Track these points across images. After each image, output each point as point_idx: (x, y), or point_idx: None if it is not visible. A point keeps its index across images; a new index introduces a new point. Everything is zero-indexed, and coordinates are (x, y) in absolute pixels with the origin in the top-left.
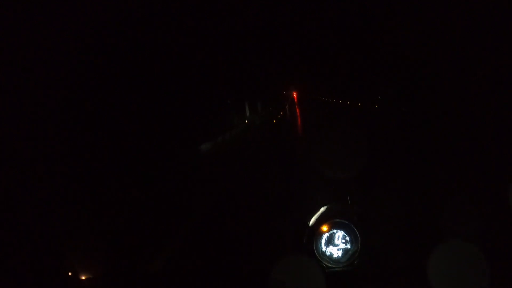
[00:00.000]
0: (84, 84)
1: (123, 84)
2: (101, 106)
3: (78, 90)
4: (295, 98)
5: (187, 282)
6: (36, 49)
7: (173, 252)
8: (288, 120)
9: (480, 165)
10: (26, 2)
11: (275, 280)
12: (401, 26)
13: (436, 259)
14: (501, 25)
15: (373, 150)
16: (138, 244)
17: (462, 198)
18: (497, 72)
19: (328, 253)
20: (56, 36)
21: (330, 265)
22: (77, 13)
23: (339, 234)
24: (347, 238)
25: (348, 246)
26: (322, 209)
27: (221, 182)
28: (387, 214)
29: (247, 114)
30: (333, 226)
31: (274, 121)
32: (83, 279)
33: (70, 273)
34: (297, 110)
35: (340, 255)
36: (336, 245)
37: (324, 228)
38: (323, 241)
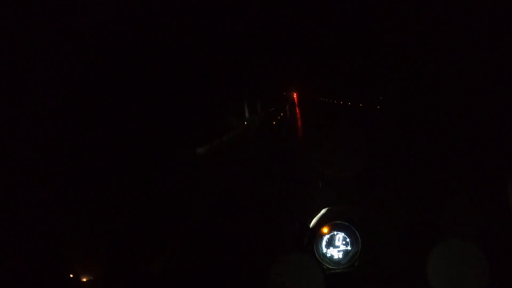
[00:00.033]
0: (84, 84)
1: (123, 84)
2: (101, 106)
3: (78, 90)
4: (295, 98)
5: (187, 282)
6: (36, 49)
7: (173, 253)
8: (288, 121)
9: (480, 165)
10: (26, 2)
11: (275, 281)
12: (401, 26)
13: (436, 259)
14: (501, 25)
15: (373, 150)
16: (138, 245)
17: (462, 198)
18: (497, 72)
19: (328, 255)
20: (56, 36)
21: (330, 266)
22: (77, 13)
23: (339, 236)
24: (348, 239)
25: (349, 247)
26: (322, 211)
27: (221, 182)
28: (387, 216)
29: (246, 115)
30: (334, 228)
31: (274, 122)
32: (84, 281)
33: (71, 275)
34: (298, 111)
35: (340, 256)
36: (336, 246)
37: (325, 230)
38: (324, 243)
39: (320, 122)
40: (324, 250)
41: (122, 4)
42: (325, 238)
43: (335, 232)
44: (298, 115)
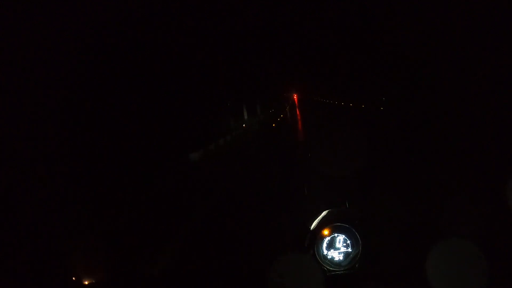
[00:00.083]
0: (84, 84)
1: (123, 85)
2: (101, 107)
3: (78, 90)
4: (296, 100)
5: (187, 282)
6: (36, 49)
7: (174, 253)
8: (288, 123)
9: (480, 165)
10: (26, 2)
11: (276, 283)
12: (401, 27)
13: (435, 259)
14: (501, 25)
15: (374, 152)
16: (139, 245)
17: (462, 198)
18: (497, 72)
19: (329, 257)
20: (56, 36)
21: (331, 268)
22: (77, 13)
23: (340, 238)
24: (348, 241)
25: (349, 249)
26: (323, 213)
27: (221, 185)
28: (387, 217)
29: (245, 117)
30: (334, 230)
31: (274, 124)
32: (86, 284)
33: (73, 278)
34: (298, 112)
35: (341, 258)
36: (337, 248)
37: (325, 232)
38: (325, 245)
39: (320, 122)
40: (325, 252)
41: (121, 4)
42: (326, 240)
43: (336, 234)
44: (299, 117)
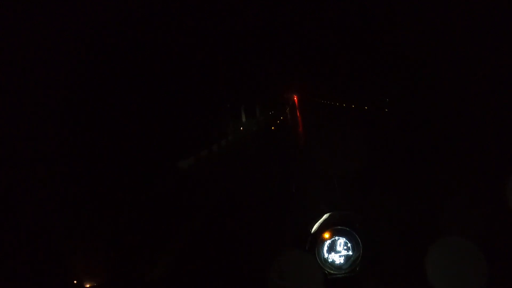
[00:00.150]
0: (84, 85)
1: (123, 86)
2: (102, 107)
3: (78, 90)
4: (296, 101)
5: (188, 283)
6: (36, 49)
7: (174, 254)
8: (288, 125)
9: (480, 165)
10: (26, 2)
11: (277, 285)
12: (402, 27)
13: (435, 258)
14: (501, 25)
15: (375, 154)
16: (139, 245)
17: (462, 198)
18: (497, 72)
19: (330, 260)
20: (56, 36)
21: (332, 271)
22: (77, 13)
23: (341, 241)
24: (349, 244)
25: (350, 252)
26: (324, 216)
27: (221, 186)
28: (388, 219)
29: (243, 119)
30: (335, 233)
31: (273, 127)
32: (87, 287)
33: (74, 281)
34: (298, 114)
35: (342, 261)
36: (338, 251)
37: (326, 235)
38: (325, 248)
39: (321, 124)
40: (326, 255)
41: (121, 5)
42: (327, 243)
43: (337, 237)
44: (299, 119)
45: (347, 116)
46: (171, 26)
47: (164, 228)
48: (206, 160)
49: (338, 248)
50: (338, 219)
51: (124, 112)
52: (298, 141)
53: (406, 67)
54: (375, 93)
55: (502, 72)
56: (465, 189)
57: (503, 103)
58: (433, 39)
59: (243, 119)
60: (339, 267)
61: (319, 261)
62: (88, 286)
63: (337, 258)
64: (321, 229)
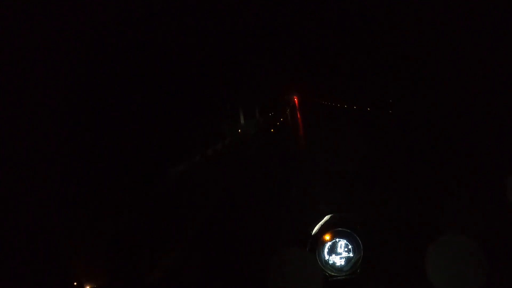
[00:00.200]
0: (84, 85)
1: (124, 85)
2: (102, 107)
3: (78, 90)
4: (297, 102)
5: (188, 284)
6: (36, 49)
7: (174, 255)
8: (289, 127)
9: (480, 165)
10: (26, 2)
11: (277, 287)
12: (403, 27)
13: (435, 257)
14: (501, 25)
15: (375, 155)
16: (140, 249)
17: (462, 198)
18: (497, 72)
19: (331, 262)
20: (56, 36)
21: (333, 273)
22: (77, 13)
23: (341, 243)
24: (350, 246)
25: (351, 254)
26: (325, 218)
27: (221, 187)
28: (389, 222)
29: (242, 121)
30: (336, 235)
31: (272, 130)
32: None
33: (75, 283)
34: (299, 115)
35: (342, 263)
36: (338, 253)
37: (327, 237)
38: (326, 250)
39: (322, 126)
40: (327, 257)
41: (120, 5)
42: (327, 245)
43: (337, 239)
44: (300, 120)
45: (347, 117)
46: (170, 26)
47: (164, 228)
48: (207, 160)
49: (339, 250)
50: (338, 220)
51: (124, 112)
52: (298, 142)
53: (405, 67)
54: (375, 93)
55: (502, 72)
56: (465, 189)
57: (503, 103)
58: (434, 39)
59: (242, 121)
60: (340, 269)
61: (319, 263)
62: (88, 287)
63: (337, 260)
64: (322, 231)
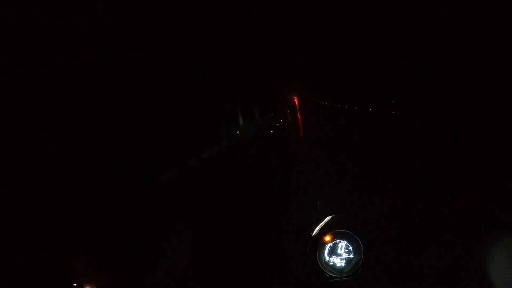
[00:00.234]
0: (84, 85)
1: (124, 86)
2: (102, 108)
3: (78, 91)
4: (297, 102)
5: (188, 284)
6: (36, 49)
7: (174, 255)
8: (289, 128)
9: (480, 165)
10: (26, 2)
11: None
12: (404, 28)
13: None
14: (501, 25)
15: (375, 156)
16: (140, 250)
17: (463, 201)
18: (497, 72)
19: (331, 263)
20: (56, 36)
21: (333, 275)
22: (77, 13)
23: (342, 244)
24: (350, 248)
25: (351, 255)
26: (325, 219)
27: (221, 188)
28: (389, 223)
29: (240, 122)
30: (336, 236)
31: (272, 131)
32: None
33: (75, 284)
34: (299, 116)
35: (343, 265)
36: (339, 255)
37: (327, 238)
38: (326, 251)
39: (322, 126)
40: (327, 258)
41: (120, 5)
42: (328, 246)
43: (338, 240)
44: (300, 121)
45: (347, 117)
46: (170, 26)
47: (164, 229)
48: (207, 160)
49: (339, 251)
50: (339, 222)
51: (124, 113)
52: (298, 142)
53: (405, 67)
54: (375, 93)
55: (502, 72)
56: (466, 189)
57: (503, 103)
58: (434, 40)
59: (240, 122)
60: (340, 270)
61: (320, 264)
62: None
63: (338, 261)
64: (322, 232)
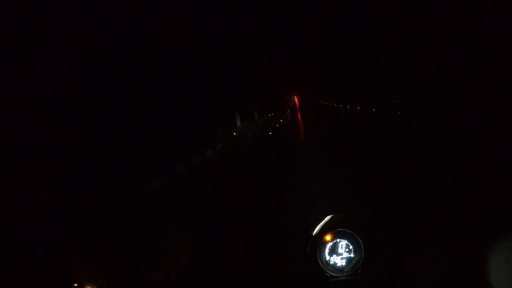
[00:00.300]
0: (84, 85)
1: (124, 86)
2: (102, 108)
3: (78, 91)
4: (297, 102)
5: (188, 286)
6: (36, 49)
7: (174, 255)
8: (289, 128)
9: (480, 165)
10: (26, 2)
11: None
12: (405, 28)
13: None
14: (501, 25)
15: (376, 155)
16: (140, 250)
17: (463, 201)
18: (497, 73)
19: (332, 262)
20: (56, 36)
21: (334, 274)
22: (77, 13)
23: (342, 243)
24: (351, 247)
25: (352, 255)
26: (326, 219)
27: (221, 188)
28: (390, 222)
29: (238, 123)
30: (337, 235)
31: (271, 132)
32: None
33: (75, 284)
34: (299, 116)
35: (343, 264)
36: (339, 254)
37: (328, 237)
38: (327, 250)
39: (322, 124)
40: (327, 257)
41: (119, 5)
42: (328, 245)
43: (338, 240)
44: (300, 121)
45: (347, 117)
46: (170, 26)
47: (164, 229)
48: (207, 160)
49: (340, 250)
50: (339, 221)
51: (123, 113)
52: (298, 143)
53: (405, 67)
54: (375, 93)
55: (502, 72)
56: (466, 190)
57: (503, 104)
58: (435, 40)
59: (238, 123)
60: (340, 269)
61: (320, 264)
62: None
63: (338, 260)
64: (323, 231)
